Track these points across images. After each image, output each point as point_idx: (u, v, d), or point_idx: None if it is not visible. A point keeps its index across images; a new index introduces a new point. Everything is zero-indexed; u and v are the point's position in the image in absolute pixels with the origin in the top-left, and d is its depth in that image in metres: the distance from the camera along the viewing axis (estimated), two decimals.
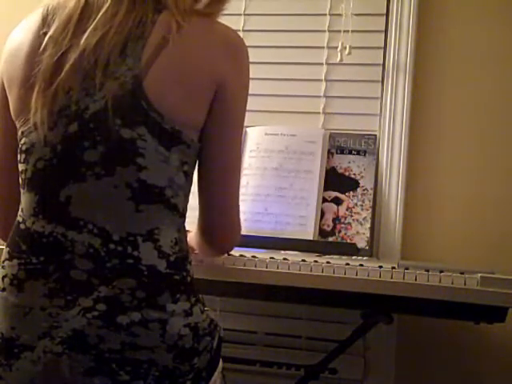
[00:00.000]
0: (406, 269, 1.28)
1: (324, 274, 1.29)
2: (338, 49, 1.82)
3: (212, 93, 1.05)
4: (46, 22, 1.05)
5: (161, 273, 0.99)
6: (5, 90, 1.09)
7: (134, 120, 0.99)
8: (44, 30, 1.04)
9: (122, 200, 0.99)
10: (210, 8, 1.10)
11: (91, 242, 0.98)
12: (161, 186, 1.01)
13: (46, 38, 1.02)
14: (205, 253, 1.24)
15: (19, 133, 1.05)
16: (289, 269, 1.31)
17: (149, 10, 1.03)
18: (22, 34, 1.07)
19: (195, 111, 1.04)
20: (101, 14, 1.01)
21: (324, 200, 1.76)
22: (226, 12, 1.84)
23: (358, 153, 1.80)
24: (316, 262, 1.31)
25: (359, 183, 1.77)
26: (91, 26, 1.01)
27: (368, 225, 1.74)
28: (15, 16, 1.15)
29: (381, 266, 1.28)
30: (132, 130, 0.99)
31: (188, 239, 1.24)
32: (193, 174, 1.08)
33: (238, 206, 1.13)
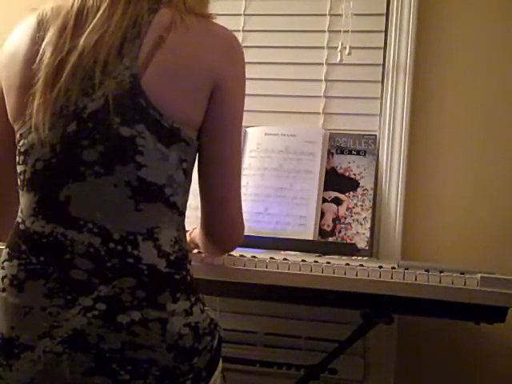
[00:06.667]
0: (406, 269, 1.28)
1: (324, 274, 1.29)
2: (338, 49, 1.82)
3: (209, 92, 1.05)
4: (41, 27, 1.05)
5: (161, 272, 0.99)
6: (2, 93, 1.09)
7: (132, 118, 0.99)
8: (40, 34, 1.04)
9: (122, 199, 0.99)
10: (206, 9, 1.11)
11: (91, 241, 0.98)
12: (160, 184, 1.01)
13: (44, 45, 1.03)
14: (207, 251, 1.25)
15: (17, 135, 1.05)
16: (289, 269, 1.31)
17: (144, 10, 1.03)
18: (18, 40, 1.08)
19: (193, 109, 1.05)
20: (98, 15, 1.02)
21: (324, 200, 1.76)
22: (225, 12, 1.87)
23: (358, 153, 1.80)
24: (316, 262, 1.31)
25: (359, 183, 1.78)
26: (89, 28, 1.01)
27: (368, 225, 1.74)
28: (15, 16, 1.14)
29: (381, 266, 1.28)
30: (131, 128, 0.99)
31: (192, 236, 1.25)
32: (192, 172, 1.08)
33: (238, 204, 1.12)
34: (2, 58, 1.09)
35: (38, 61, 1.02)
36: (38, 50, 1.03)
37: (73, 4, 1.04)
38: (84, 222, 0.98)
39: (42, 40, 1.03)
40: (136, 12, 1.03)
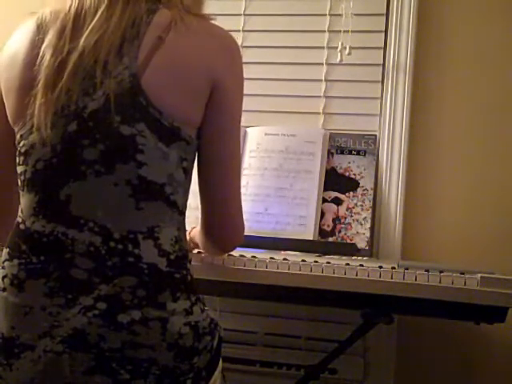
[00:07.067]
0: (406, 269, 1.28)
1: (324, 274, 1.29)
2: (338, 49, 1.82)
3: (208, 91, 1.06)
4: (40, 30, 1.06)
5: (161, 271, 0.99)
6: (1, 95, 1.10)
7: (133, 117, 0.99)
8: (40, 37, 1.05)
9: (123, 197, 0.99)
10: (202, 9, 1.13)
11: (92, 240, 0.98)
12: (160, 182, 1.01)
13: (43, 47, 1.03)
14: (207, 251, 1.25)
15: (18, 136, 1.05)
16: (289, 269, 1.31)
17: (143, 11, 1.04)
18: (18, 44, 1.08)
19: (192, 109, 1.05)
20: (97, 17, 1.03)
21: (324, 200, 1.76)
22: (225, 12, 1.87)
23: (358, 153, 1.80)
24: (316, 262, 1.31)
25: (359, 183, 1.78)
26: (88, 29, 1.02)
27: (368, 225, 1.74)
28: (14, 20, 1.15)
29: (381, 266, 1.28)
30: (131, 127, 0.99)
31: (191, 235, 1.25)
32: (192, 171, 1.08)
33: (239, 204, 1.13)
34: (1, 61, 1.10)
35: (38, 63, 1.03)
36: (37, 53, 1.03)
37: (70, 7, 1.05)
38: (85, 220, 0.99)
39: (42, 43, 1.04)
40: (135, 13, 1.04)
